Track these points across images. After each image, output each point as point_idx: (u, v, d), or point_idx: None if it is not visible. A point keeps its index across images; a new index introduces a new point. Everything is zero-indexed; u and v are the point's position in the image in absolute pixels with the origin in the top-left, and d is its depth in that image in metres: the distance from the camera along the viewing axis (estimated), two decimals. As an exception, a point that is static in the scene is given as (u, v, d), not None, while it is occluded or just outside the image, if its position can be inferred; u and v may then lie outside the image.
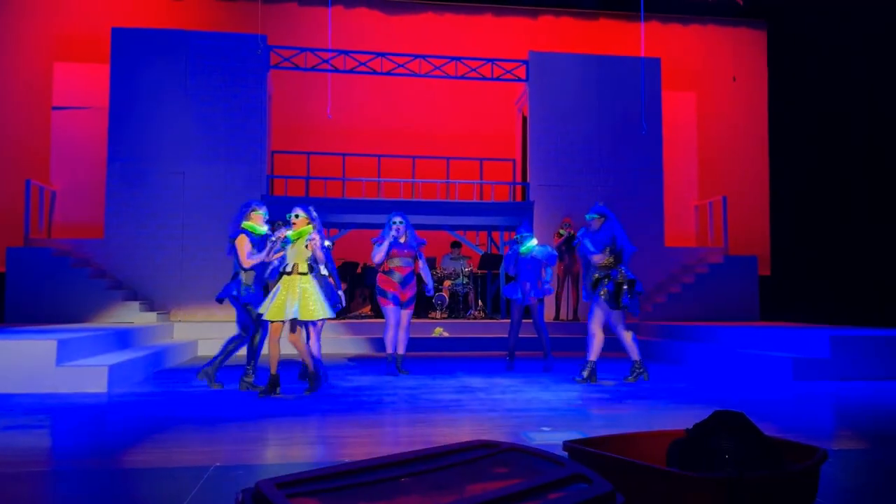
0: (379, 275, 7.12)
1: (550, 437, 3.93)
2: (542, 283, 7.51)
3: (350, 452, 3.70)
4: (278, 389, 5.62)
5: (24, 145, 11.90)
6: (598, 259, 6.37)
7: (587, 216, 6.58)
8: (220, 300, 6.09)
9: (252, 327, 6.02)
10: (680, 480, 1.97)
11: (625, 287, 6.24)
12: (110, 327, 8.27)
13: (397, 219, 7.03)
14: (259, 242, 5.97)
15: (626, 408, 5.15)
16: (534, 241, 7.57)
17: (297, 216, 5.72)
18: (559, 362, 7.95)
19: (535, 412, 4.95)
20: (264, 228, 6.03)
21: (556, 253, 7.72)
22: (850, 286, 11.53)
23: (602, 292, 6.33)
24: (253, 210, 6.06)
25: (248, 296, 5.97)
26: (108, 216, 10.75)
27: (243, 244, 5.90)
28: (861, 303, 11.07)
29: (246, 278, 5.99)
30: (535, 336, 7.69)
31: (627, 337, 6.44)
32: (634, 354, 6.47)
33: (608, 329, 6.48)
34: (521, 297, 7.49)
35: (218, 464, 3.38)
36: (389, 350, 7.13)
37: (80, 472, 3.40)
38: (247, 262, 5.87)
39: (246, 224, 5.97)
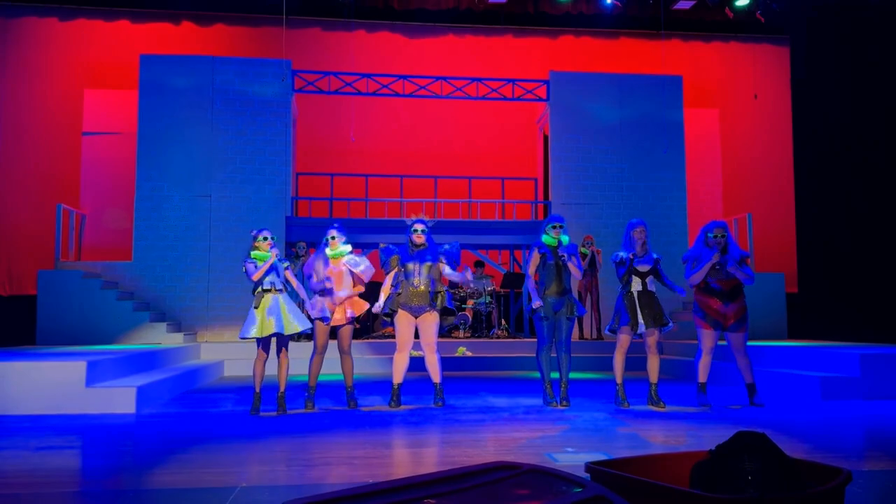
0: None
1: (574, 458, 3.92)
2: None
3: (374, 473, 3.72)
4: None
5: (55, 170, 12.19)
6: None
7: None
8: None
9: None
10: (702, 502, 1.97)
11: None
12: (138, 348, 8.40)
13: None
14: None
15: (651, 428, 5.11)
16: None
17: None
18: (586, 384, 7.86)
19: (560, 433, 4.94)
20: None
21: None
22: (879, 304, 11.33)
23: None
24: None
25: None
26: (136, 239, 10.96)
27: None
28: (892, 321, 10.87)
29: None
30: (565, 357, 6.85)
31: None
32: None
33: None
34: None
35: (244, 484, 3.42)
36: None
37: (109, 492, 3.45)
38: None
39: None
